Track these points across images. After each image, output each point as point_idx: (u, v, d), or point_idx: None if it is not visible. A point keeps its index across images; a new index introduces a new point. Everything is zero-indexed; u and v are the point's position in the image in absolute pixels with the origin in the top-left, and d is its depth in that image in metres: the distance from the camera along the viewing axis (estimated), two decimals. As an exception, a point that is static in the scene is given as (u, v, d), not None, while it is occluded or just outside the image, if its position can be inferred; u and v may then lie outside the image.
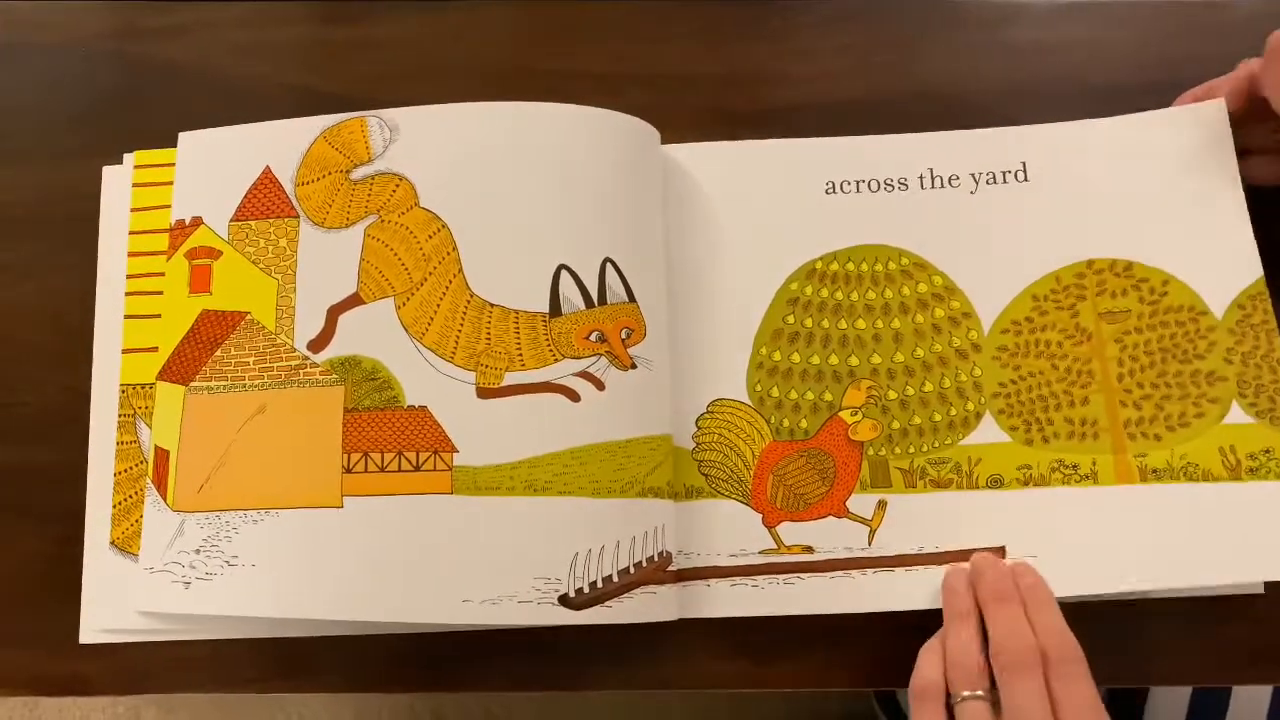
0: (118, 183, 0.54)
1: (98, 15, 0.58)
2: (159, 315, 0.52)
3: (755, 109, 0.56)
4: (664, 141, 0.53)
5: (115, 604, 0.50)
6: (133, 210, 0.54)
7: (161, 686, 0.50)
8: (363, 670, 0.49)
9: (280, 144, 0.52)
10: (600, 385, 0.49)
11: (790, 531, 0.50)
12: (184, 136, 0.53)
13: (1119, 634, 0.50)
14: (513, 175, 0.50)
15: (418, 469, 0.48)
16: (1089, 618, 0.49)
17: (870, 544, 0.50)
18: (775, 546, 0.50)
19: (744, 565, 0.50)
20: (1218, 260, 0.51)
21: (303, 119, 0.52)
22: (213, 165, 0.53)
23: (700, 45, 0.57)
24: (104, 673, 0.50)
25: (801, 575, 0.49)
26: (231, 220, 0.52)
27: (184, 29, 0.57)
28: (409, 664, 0.49)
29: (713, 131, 0.55)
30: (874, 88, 0.56)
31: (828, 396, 0.51)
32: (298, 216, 0.52)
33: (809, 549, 0.50)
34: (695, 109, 0.56)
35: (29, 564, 0.51)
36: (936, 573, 0.49)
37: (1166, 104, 0.53)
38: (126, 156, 0.54)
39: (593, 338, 0.49)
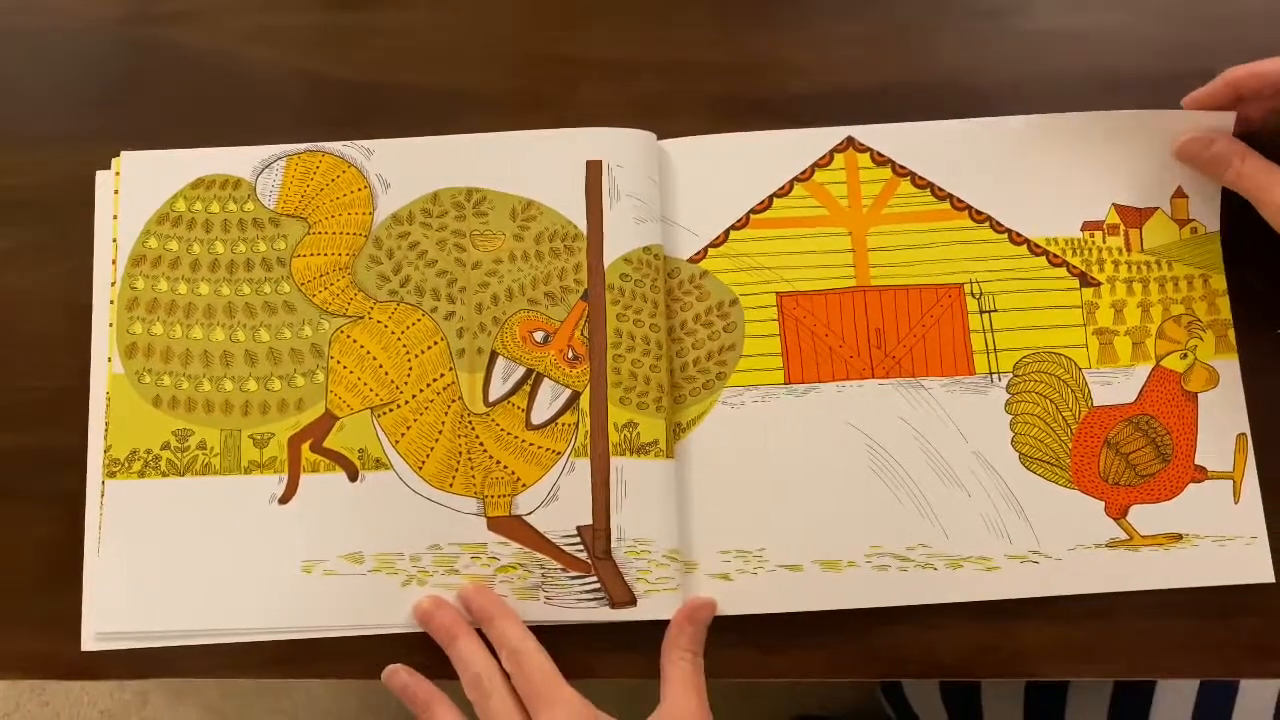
0: (109, 187, 0.54)
1: (107, -1, 0.58)
2: None
3: (765, 97, 0.55)
4: (671, 129, 0.53)
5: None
6: (114, 218, 0.53)
7: (172, 671, 0.50)
8: (372, 657, 0.50)
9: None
10: None
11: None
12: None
13: (1125, 629, 0.50)
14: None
15: None
16: (1094, 614, 0.49)
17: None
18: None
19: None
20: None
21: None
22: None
23: (710, 33, 0.56)
24: (114, 657, 0.50)
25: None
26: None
27: (193, 13, 0.57)
28: (417, 651, 0.49)
29: (721, 120, 0.54)
30: (886, 76, 0.55)
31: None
32: None
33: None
34: (704, 97, 0.55)
35: (42, 549, 0.51)
36: None
37: (1183, 93, 0.52)
38: (115, 161, 0.54)
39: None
